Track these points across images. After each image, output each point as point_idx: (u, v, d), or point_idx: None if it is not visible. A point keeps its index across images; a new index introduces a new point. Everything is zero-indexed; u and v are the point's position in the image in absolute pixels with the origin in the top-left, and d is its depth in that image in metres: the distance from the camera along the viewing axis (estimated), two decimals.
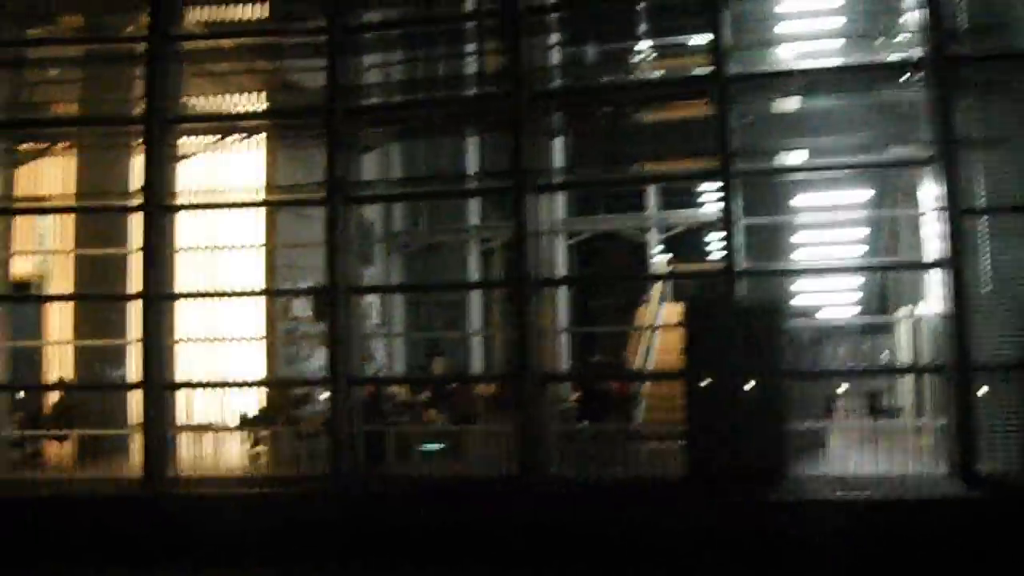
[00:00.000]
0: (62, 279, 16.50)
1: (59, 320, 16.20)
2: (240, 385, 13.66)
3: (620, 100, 12.38)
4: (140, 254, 12.48)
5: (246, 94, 13.42)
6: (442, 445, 13.99)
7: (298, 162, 17.76)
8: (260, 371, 16.45)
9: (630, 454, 12.72)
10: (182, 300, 12.88)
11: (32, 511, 11.41)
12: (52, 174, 15.80)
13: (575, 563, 10.34)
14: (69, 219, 15.37)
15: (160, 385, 12.15)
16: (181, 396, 12.76)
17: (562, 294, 17.38)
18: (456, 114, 12.59)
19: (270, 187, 15.63)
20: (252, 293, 14.67)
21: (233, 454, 14.16)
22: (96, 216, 14.28)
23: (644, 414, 15.36)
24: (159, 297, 12.19)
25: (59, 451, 14.24)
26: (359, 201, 12.80)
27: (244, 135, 13.14)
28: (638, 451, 13.04)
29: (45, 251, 14.92)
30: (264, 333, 16.66)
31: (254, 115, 12.96)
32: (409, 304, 20.98)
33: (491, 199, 19.55)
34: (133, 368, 14.62)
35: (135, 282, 14.14)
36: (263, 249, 16.59)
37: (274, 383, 14.89)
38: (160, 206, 12.30)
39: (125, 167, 14.77)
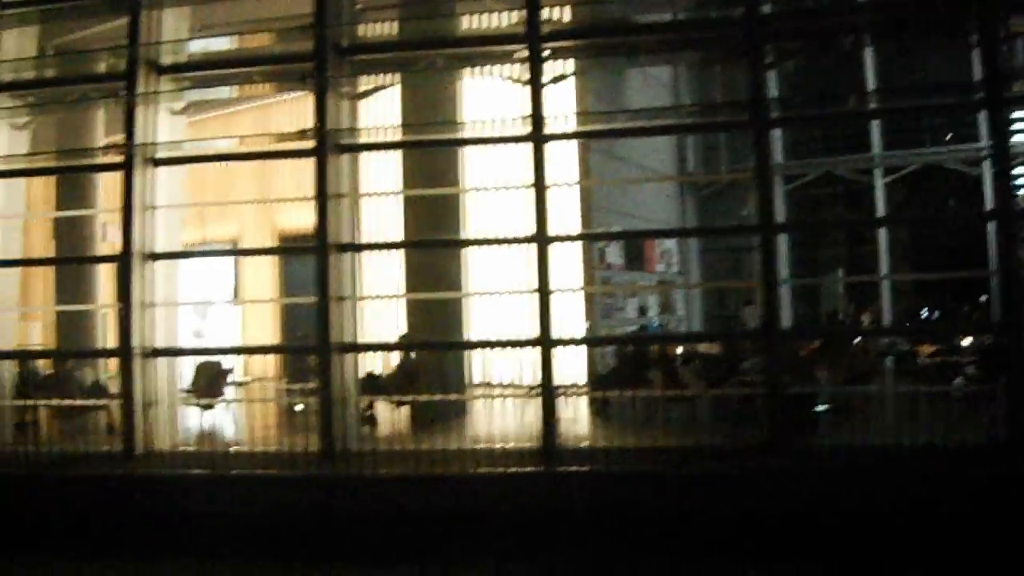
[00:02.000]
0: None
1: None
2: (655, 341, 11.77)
3: None
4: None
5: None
6: (828, 407, 12.03)
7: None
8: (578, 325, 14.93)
9: None
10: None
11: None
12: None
13: None
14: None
15: (551, 340, 10.42)
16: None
17: None
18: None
19: (584, 115, 13.90)
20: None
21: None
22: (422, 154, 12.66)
23: None
24: (548, 239, 10.43)
25: (393, 417, 12.84)
26: (775, 125, 10.72)
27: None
28: None
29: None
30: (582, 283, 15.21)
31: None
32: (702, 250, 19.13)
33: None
34: (470, 324, 13.26)
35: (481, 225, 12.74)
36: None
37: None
38: (546, 135, 10.51)
39: (453, 96, 13.24)
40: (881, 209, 18.25)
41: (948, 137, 18.53)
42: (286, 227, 17.49)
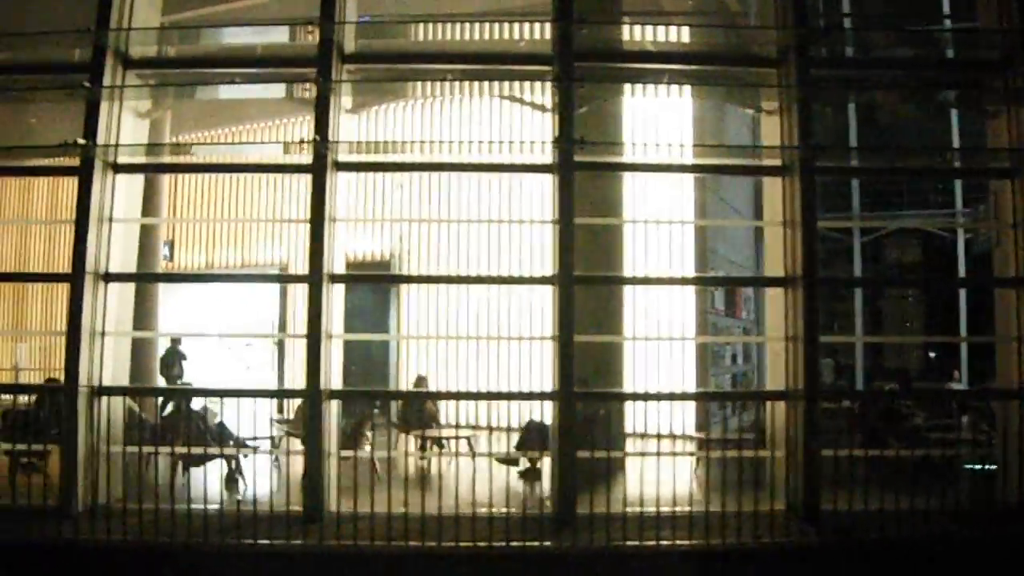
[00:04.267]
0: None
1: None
2: None
3: None
4: None
5: None
6: None
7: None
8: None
9: None
10: None
11: None
12: None
13: None
14: None
15: (816, 391, 9.29)
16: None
17: None
18: None
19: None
20: None
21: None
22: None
23: None
24: (816, 280, 9.36)
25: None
26: None
27: None
28: None
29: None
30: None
31: None
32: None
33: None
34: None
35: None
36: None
37: None
38: (818, 167, 9.51)
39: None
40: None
41: None
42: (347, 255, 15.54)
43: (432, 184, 14.42)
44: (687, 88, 11.26)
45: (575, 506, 8.95)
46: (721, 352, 15.90)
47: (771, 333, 9.93)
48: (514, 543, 8.29)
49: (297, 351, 15.84)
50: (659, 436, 11.42)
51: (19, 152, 10.27)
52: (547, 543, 8.46)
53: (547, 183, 9.94)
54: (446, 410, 12.34)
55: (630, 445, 11.58)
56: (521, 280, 10.45)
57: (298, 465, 10.58)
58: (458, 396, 10.06)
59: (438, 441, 11.70)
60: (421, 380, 12.64)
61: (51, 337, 17.15)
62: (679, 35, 11.62)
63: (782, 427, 9.47)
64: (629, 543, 8.33)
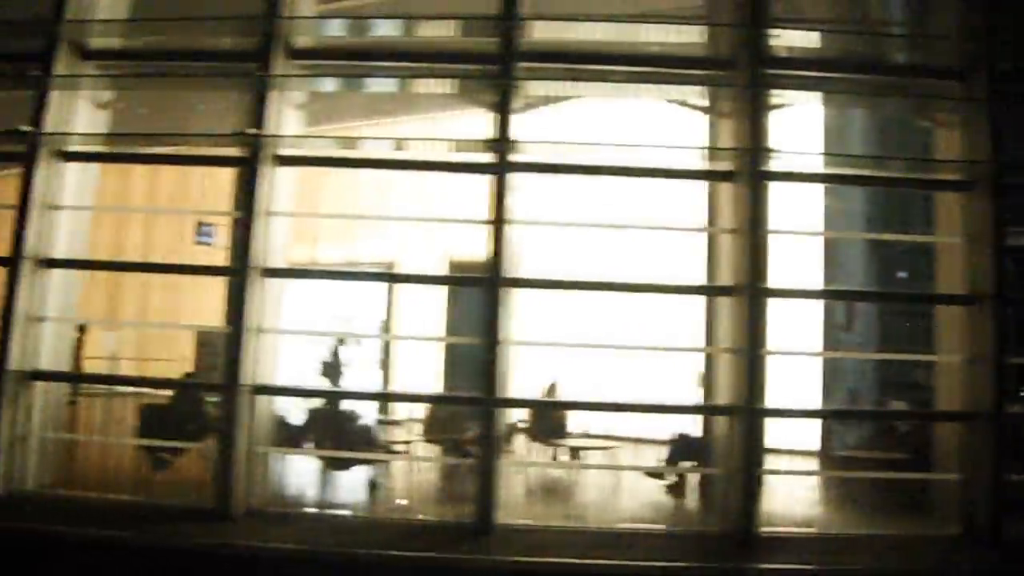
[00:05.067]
0: None
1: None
2: None
3: None
4: None
5: None
6: None
7: None
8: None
9: None
10: None
11: None
12: None
13: None
14: None
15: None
16: None
17: None
18: None
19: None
20: None
21: None
22: None
23: None
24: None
25: None
26: None
27: None
28: None
29: None
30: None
31: None
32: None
33: None
34: None
35: None
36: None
37: None
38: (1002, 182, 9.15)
39: None
40: None
41: None
42: (455, 254, 15.25)
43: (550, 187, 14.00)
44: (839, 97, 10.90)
45: (755, 527, 8.56)
46: (842, 367, 15.60)
47: (945, 350, 9.54)
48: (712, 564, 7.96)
49: (407, 353, 15.77)
50: (803, 453, 11.15)
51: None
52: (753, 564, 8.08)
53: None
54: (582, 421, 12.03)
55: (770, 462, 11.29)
56: (699, 290, 10.06)
57: (428, 472, 10.39)
58: (628, 408, 9.62)
59: (575, 452, 11.39)
60: (553, 387, 12.30)
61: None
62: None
63: (959, 448, 9.09)
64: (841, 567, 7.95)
